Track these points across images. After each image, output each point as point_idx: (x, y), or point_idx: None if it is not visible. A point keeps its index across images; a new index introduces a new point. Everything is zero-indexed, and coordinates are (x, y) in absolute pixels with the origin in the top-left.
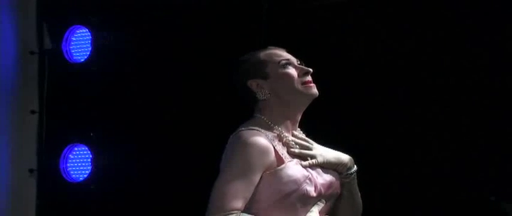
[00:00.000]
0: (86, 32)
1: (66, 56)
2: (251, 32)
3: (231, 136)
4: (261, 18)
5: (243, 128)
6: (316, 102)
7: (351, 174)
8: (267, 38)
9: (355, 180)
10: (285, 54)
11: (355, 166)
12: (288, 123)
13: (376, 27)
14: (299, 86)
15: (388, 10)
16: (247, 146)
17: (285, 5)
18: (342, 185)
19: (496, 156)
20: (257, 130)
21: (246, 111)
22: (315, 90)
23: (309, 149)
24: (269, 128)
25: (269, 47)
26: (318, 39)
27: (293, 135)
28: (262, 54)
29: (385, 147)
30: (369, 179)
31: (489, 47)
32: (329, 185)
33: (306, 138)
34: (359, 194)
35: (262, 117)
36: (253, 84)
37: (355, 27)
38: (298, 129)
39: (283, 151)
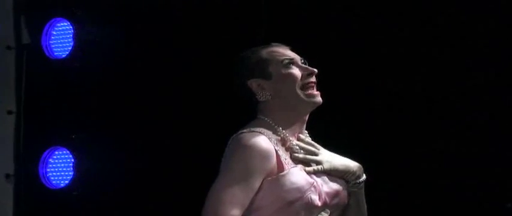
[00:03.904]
0: (68, 25)
1: (46, 52)
2: (249, 25)
3: (232, 138)
4: (260, 12)
5: (244, 130)
6: (322, 104)
7: (360, 183)
8: (267, 34)
9: (363, 190)
10: (288, 53)
11: (365, 175)
12: (294, 125)
13: (379, 21)
14: (300, 92)
15: (391, 3)
16: (247, 149)
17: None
18: (349, 194)
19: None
20: (260, 132)
21: (244, 111)
22: (318, 99)
23: (315, 154)
24: (273, 131)
25: (272, 43)
26: (318, 35)
27: (299, 139)
28: (265, 52)
29: (394, 152)
30: (377, 188)
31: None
32: (335, 194)
33: (312, 143)
34: (365, 205)
35: (266, 118)
36: (253, 84)
37: (357, 22)
38: (305, 132)
39: (286, 156)
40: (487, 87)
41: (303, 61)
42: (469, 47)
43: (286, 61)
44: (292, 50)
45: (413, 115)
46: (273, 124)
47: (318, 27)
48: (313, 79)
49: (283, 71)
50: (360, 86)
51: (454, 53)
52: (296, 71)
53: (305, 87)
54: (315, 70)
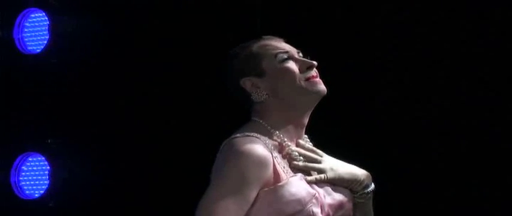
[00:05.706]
0: (43, 16)
1: (18, 46)
2: (243, 17)
3: (223, 144)
4: (254, 5)
5: (237, 135)
6: (323, 103)
7: (368, 193)
8: (263, 27)
9: (371, 201)
10: (282, 46)
11: (373, 184)
12: (292, 129)
13: (383, 12)
14: (302, 83)
15: None
16: (242, 156)
17: None
18: (354, 206)
19: None
20: (254, 137)
21: (241, 112)
22: (322, 86)
23: (317, 161)
24: (269, 135)
25: (263, 36)
26: (319, 29)
27: (298, 144)
28: (256, 47)
29: (405, 158)
30: (385, 198)
31: None
32: (339, 206)
33: (314, 149)
34: None
35: (261, 121)
36: (247, 83)
37: (361, 12)
38: (305, 136)
39: (284, 164)
40: (491, 88)
41: (300, 54)
42: (475, 45)
43: (281, 55)
44: (287, 42)
45: (426, 116)
46: (269, 128)
47: (317, 18)
48: (314, 73)
49: (278, 66)
50: (364, 83)
51: (466, 47)
52: (292, 65)
53: (305, 79)
54: (315, 63)
